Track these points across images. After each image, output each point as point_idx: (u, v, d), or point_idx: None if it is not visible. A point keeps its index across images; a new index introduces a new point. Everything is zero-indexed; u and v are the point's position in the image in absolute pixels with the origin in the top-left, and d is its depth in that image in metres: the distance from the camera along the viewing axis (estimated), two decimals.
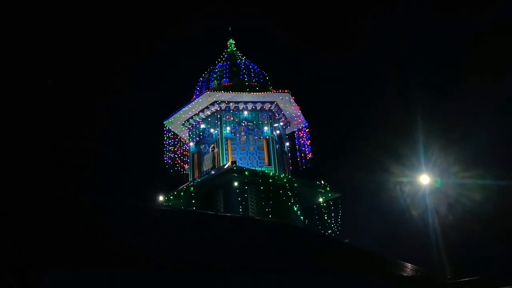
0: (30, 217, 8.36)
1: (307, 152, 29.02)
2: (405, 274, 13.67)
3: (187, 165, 29.11)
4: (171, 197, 26.02)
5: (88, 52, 59.96)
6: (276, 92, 28.31)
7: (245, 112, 28.00)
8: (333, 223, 26.22)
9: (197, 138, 28.85)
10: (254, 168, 25.56)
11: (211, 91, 27.99)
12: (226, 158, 26.27)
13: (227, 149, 26.77)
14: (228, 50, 33.35)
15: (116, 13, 62.14)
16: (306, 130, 30.04)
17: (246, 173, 23.81)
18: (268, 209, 23.55)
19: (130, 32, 63.57)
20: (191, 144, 29.33)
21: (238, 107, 27.96)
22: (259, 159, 26.89)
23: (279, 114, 29.14)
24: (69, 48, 58.62)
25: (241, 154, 26.89)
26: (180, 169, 29.05)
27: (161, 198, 26.12)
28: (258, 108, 28.11)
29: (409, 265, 15.33)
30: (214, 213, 17.51)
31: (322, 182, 26.85)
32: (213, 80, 29.88)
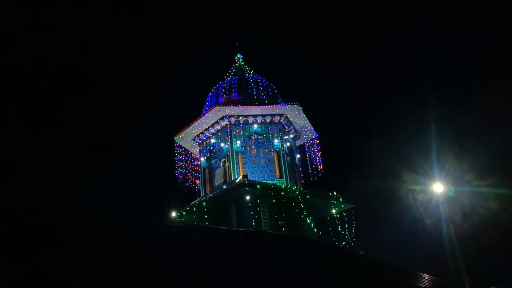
0: (44, 237, 8.38)
1: (318, 163, 28.92)
2: (423, 286, 13.44)
3: (199, 180, 29.11)
4: (184, 213, 25.98)
5: (98, 68, 60.61)
6: (285, 104, 28.32)
7: (255, 126, 28.01)
8: (347, 235, 25.99)
9: (208, 153, 28.88)
10: (265, 181, 25.45)
11: (220, 106, 28.07)
12: (237, 172, 26.23)
13: (238, 163, 26.74)
14: (236, 64, 33.50)
15: (128, 30, 62.85)
16: (317, 141, 29.97)
17: (257, 186, 23.72)
18: (281, 222, 23.40)
19: (138, 49, 64.19)
20: (202, 159, 29.36)
21: (248, 120, 27.99)
22: (270, 172, 26.80)
23: (288, 127, 29.11)
24: (79, 61, 59.28)
25: (252, 167, 26.84)
26: (192, 184, 29.08)
27: (173, 214, 26.11)
28: (268, 121, 28.11)
29: (426, 276, 15.09)
30: (227, 228, 17.44)
31: (335, 193, 26.67)
32: (222, 95, 29.99)
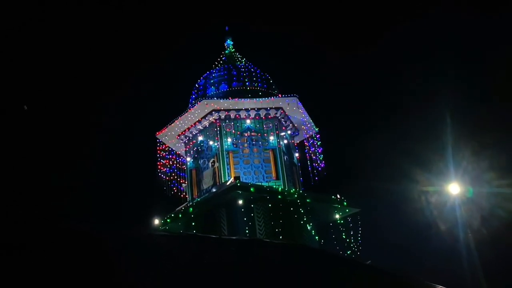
0: (19, 250, 8.36)
1: (319, 162, 28.96)
2: None
3: (185, 183, 29.07)
4: (168, 220, 25.96)
5: (72, 58, 60.28)
6: (282, 96, 28.31)
7: (248, 121, 28.00)
8: (352, 242, 26.08)
9: (195, 153, 28.85)
10: (260, 184, 25.49)
11: (208, 99, 28.04)
12: (228, 174, 26.24)
13: (229, 163, 26.74)
14: (226, 52, 33.46)
15: (107, 21, 62.49)
16: (317, 138, 30.00)
17: (251, 189, 23.73)
18: (278, 230, 23.43)
19: (119, 38, 63.94)
20: (188, 159, 29.31)
21: (240, 115, 27.97)
22: (266, 173, 26.83)
23: (286, 122, 29.13)
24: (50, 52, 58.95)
25: (245, 168, 26.84)
26: (177, 188, 29.03)
27: (156, 221, 26.05)
28: (262, 115, 28.12)
29: (440, 287, 15.17)
30: (217, 236, 17.45)
31: (338, 196, 26.72)
32: (210, 87, 29.95)
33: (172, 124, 29.10)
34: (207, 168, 27.80)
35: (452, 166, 22.65)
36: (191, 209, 25.35)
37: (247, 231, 22.98)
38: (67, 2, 56.54)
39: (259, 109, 28.07)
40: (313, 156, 29.28)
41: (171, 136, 29.81)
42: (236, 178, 24.60)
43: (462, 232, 20.77)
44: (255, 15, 64.03)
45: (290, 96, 28.13)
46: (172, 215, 26.24)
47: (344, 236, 26.22)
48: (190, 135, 29.29)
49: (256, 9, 63.80)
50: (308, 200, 25.41)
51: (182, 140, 29.87)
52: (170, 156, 29.93)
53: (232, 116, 27.91)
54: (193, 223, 24.70)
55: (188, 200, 28.25)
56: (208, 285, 9.07)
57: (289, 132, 29.52)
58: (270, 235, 23.08)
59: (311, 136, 30.24)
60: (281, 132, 28.31)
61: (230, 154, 27.08)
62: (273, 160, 27.24)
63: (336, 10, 60.76)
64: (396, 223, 32.53)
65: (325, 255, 18.77)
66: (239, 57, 32.86)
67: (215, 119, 27.87)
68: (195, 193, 28.16)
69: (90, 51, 62.30)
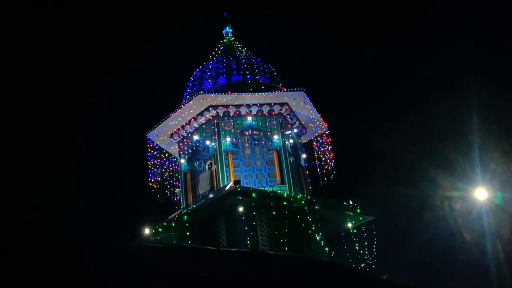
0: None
1: (330, 164, 28.95)
2: None
3: (179, 188, 29.08)
4: (160, 229, 25.96)
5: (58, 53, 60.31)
6: (287, 91, 28.29)
7: (249, 118, 28.00)
8: (366, 254, 26.09)
9: (190, 154, 28.85)
10: (263, 189, 25.54)
11: (204, 94, 28.01)
12: (227, 177, 26.25)
13: (228, 166, 26.75)
14: (225, 41, 33.45)
15: (94, 9, 62.61)
16: (327, 137, 29.98)
17: (253, 195, 23.74)
18: (284, 240, 23.45)
19: (106, 27, 63.92)
20: (183, 161, 29.33)
21: (240, 112, 27.96)
22: (269, 177, 26.84)
23: (291, 119, 29.13)
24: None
25: (245, 171, 26.85)
26: (170, 193, 29.04)
27: (147, 231, 26.05)
28: (265, 112, 28.09)
29: None
30: (215, 248, 17.45)
31: (350, 202, 26.73)
32: (207, 80, 29.96)
33: (164, 122, 29.08)
34: (204, 171, 27.80)
35: (479, 168, 22.62)
36: (185, 217, 25.31)
37: (248, 242, 22.99)
38: None
39: (261, 104, 28.03)
40: (323, 157, 29.31)
41: (163, 136, 29.81)
42: (236, 182, 24.58)
43: (490, 242, 20.73)
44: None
45: (296, 90, 28.10)
46: (165, 223, 26.23)
47: (357, 247, 26.24)
48: (185, 134, 29.30)
49: None
50: (316, 207, 25.42)
51: (175, 140, 29.88)
52: (162, 158, 29.95)
53: (232, 112, 27.90)
54: (188, 233, 24.67)
55: (182, 207, 28.25)
56: None
57: (295, 130, 29.52)
58: (274, 246, 23.08)
59: (320, 135, 30.28)
60: (286, 131, 28.29)
61: (229, 155, 27.07)
62: (278, 162, 27.22)
63: None
64: (415, 232, 32.45)
65: (336, 268, 18.75)
66: (239, 46, 32.85)
67: (213, 116, 27.87)
68: (190, 199, 28.17)
69: (75, 39, 62.31)
